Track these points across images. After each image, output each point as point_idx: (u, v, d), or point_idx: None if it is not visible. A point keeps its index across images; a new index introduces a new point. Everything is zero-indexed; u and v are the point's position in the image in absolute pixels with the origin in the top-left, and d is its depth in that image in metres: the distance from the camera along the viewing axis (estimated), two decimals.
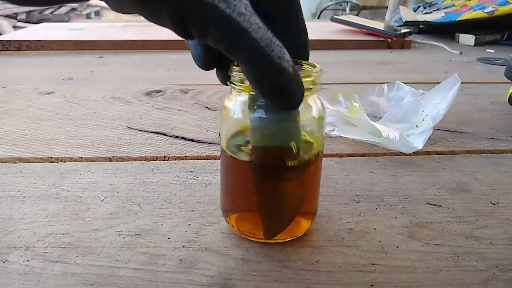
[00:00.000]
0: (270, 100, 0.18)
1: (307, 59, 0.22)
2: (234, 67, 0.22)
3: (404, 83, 0.45)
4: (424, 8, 1.08)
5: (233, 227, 0.25)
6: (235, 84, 0.22)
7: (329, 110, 0.40)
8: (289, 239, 0.25)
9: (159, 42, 0.81)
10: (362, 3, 2.19)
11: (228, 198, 0.25)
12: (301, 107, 0.21)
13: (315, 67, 0.23)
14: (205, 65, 0.19)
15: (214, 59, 0.19)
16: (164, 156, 0.36)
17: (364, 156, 0.36)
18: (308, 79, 0.22)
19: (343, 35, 0.91)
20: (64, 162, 0.35)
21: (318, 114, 0.23)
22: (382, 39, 0.87)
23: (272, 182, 0.22)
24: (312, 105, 0.23)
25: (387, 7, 1.25)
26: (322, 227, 0.26)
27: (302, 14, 0.19)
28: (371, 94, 0.45)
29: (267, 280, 0.22)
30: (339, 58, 0.77)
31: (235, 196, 0.25)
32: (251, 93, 0.21)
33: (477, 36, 0.88)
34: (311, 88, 0.22)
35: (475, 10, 0.89)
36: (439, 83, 0.41)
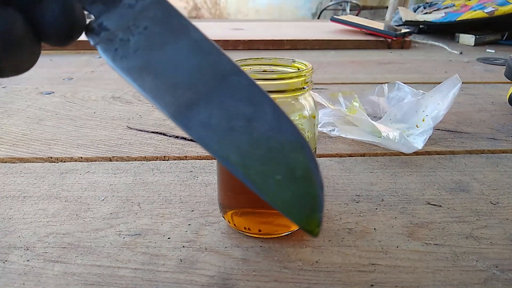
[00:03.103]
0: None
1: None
2: None
3: (404, 83, 0.45)
4: (424, 8, 1.08)
5: (229, 222, 0.25)
6: None
7: (329, 109, 0.40)
8: (285, 233, 0.25)
9: None
10: (362, 3, 2.19)
11: (224, 195, 0.25)
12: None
13: (306, 66, 0.23)
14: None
15: None
16: (164, 156, 0.36)
17: (364, 156, 0.36)
18: (300, 78, 0.22)
19: (343, 35, 0.91)
20: (64, 162, 0.35)
21: (310, 112, 0.23)
22: (382, 39, 0.87)
23: None
24: (304, 104, 0.23)
25: (387, 7, 1.25)
26: (322, 227, 0.26)
27: None
28: (371, 94, 0.45)
29: (267, 280, 0.21)
30: (339, 58, 0.76)
31: (231, 193, 0.25)
32: None
33: (477, 36, 0.88)
34: (303, 88, 0.22)
35: (475, 10, 0.89)
36: (439, 83, 0.41)
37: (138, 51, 0.16)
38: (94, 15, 0.17)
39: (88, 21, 0.16)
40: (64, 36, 0.15)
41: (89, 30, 0.16)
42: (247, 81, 0.16)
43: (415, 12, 1.07)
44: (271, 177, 0.15)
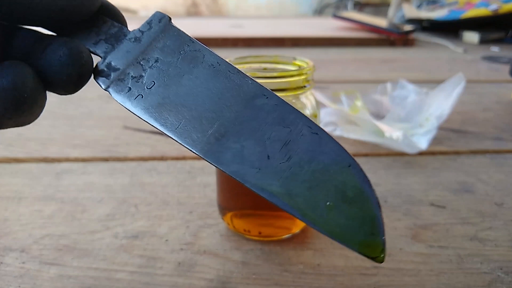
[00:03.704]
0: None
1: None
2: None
3: (408, 82, 0.44)
4: (428, 5, 1.08)
5: (229, 224, 0.25)
6: None
7: (331, 109, 0.40)
8: (286, 236, 0.24)
9: None
10: (364, 0, 2.18)
11: (223, 196, 0.25)
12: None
13: (308, 63, 0.23)
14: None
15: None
16: (161, 156, 0.35)
17: (367, 156, 0.36)
18: (302, 77, 0.21)
19: (346, 33, 0.90)
20: (60, 162, 0.34)
21: (311, 111, 0.23)
22: (385, 36, 0.86)
23: None
24: (306, 102, 0.23)
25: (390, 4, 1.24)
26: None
27: None
28: (374, 92, 0.45)
29: (267, 284, 0.21)
30: (341, 56, 0.76)
31: (230, 194, 0.24)
32: None
33: (481, 34, 0.87)
34: (304, 86, 0.22)
35: (479, 8, 0.88)
36: (443, 81, 0.40)
37: (153, 87, 0.15)
38: (100, 56, 0.16)
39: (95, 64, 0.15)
40: (72, 83, 0.14)
41: (97, 73, 0.15)
42: (275, 100, 0.15)
43: (418, 9, 1.06)
44: (321, 204, 0.14)
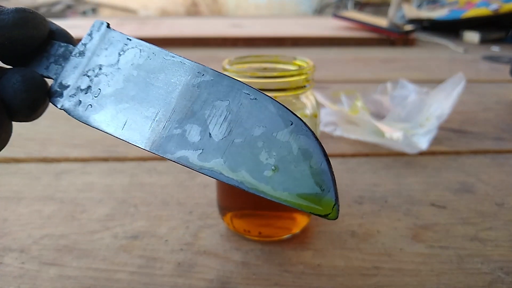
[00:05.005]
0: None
1: None
2: (227, 66, 0.22)
3: (408, 81, 0.44)
4: (428, 5, 1.07)
5: (229, 225, 0.25)
6: None
7: (331, 109, 0.40)
8: (286, 236, 0.24)
9: (156, 39, 0.81)
10: (365, 0, 2.17)
11: (223, 197, 0.25)
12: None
13: (308, 63, 0.23)
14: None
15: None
16: (161, 156, 0.35)
17: (367, 156, 0.36)
18: (302, 76, 0.21)
19: (346, 32, 0.90)
20: (60, 162, 0.34)
21: (312, 111, 0.23)
22: (385, 36, 0.86)
23: None
24: (306, 102, 0.23)
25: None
26: (324, 229, 0.25)
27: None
28: (374, 92, 0.44)
29: (267, 284, 0.21)
30: (341, 56, 0.76)
31: (230, 195, 0.24)
32: None
33: (481, 34, 0.87)
34: (304, 86, 0.22)
35: (479, 8, 0.88)
36: (443, 81, 0.40)
37: (100, 94, 0.15)
38: (53, 79, 0.16)
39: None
40: (28, 108, 0.15)
41: (52, 94, 0.16)
42: (210, 76, 0.15)
43: (419, 9, 1.06)
44: (266, 170, 0.14)
